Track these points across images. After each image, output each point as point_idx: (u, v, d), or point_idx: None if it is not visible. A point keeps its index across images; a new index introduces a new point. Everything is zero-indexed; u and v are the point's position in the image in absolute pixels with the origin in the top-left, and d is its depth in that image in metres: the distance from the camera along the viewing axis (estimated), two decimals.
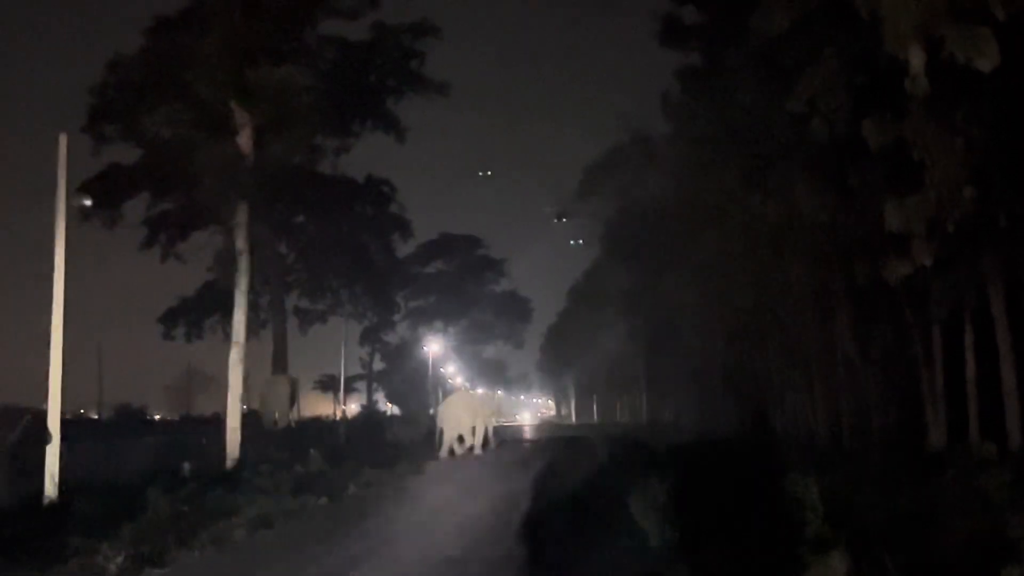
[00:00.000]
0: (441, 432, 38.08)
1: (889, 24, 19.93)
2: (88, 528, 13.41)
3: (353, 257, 44.00)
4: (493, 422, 41.66)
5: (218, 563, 13.25)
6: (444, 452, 37.28)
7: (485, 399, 42.59)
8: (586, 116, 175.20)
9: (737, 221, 31.12)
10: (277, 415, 38.85)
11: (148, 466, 22.82)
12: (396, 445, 38.48)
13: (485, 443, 39.46)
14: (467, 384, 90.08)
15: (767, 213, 27.69)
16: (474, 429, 38.90)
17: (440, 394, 76.78)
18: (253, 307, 36.82)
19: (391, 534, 15.80)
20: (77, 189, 28.77)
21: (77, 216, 21.08)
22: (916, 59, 20.76)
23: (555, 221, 79.89)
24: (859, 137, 21.63)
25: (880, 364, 28.91)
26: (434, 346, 74.29)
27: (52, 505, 16.85)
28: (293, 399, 42.52)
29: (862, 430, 29.23)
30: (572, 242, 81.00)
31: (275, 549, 14.54)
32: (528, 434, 65.56)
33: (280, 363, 41.68)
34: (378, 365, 79.87)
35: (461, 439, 38.22)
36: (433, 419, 70.19)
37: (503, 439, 44.94)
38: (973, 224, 20.95)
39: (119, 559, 12.29)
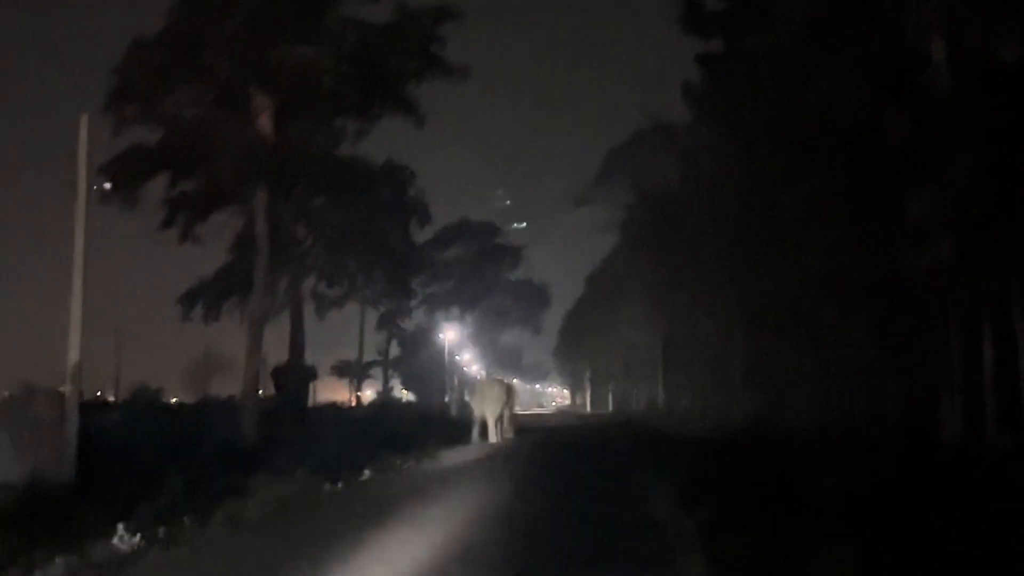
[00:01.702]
0: (477, 416, 39.49)
1: (912, 15, 19.90)
2: (105, 508, 13.49)
3: (371, 241, 43.98)
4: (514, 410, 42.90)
5: (232, 543, 13.33)
6: (476, 436, 38.62)
7: (510, 387, 43.65)
8: (607, 102, 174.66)
9: (757, 210, 31.05)
10: (288, 401, 39.27)
11: (165, 448, 22.94)
12: (411, 431, 38.63)
13: (508, 429, 40.39)
14: (483, 372, 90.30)
15: (787, 202, 27.62)
16: (502, 415, 40.15)
17: (455, 381, 76.92)
18: (271, 291, 36.96)
19: (403, 518, 15.85)
20: (97, 171, 28.96)
21: (97, 197, 21.13)
22: (938, 50, 20.74)
23: (575, 207, 79.87)
24: (880, 128, 21.59)
25: (897, 355, 28.86)
26: (450, 333, 74.47)
27: (69, 485, 16.96)
28: (308, 385, 42.75)
29: (878, 421, 29.23)
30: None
31: (289, 530, 14.63)
32: (543, 424, 65.56)
33: (297, 347, 41.78)
34: (394, 351, 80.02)
35: (485, 425, 39.24)
36: (448, 406, 70.87)
37: (520, 429, 45.29)
38: (993, 216, 20.90)
39: (135, 539, 12.38)
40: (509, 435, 40.00)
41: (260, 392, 31.11)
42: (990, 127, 20.34)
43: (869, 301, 28.38)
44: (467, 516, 15.78)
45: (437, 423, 47.37)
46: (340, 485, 20.49)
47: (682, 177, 48.08)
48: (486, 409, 39.41)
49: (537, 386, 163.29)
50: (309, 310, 45.29)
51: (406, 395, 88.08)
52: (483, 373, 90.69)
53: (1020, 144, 20.48)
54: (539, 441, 39.94)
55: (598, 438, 43.21)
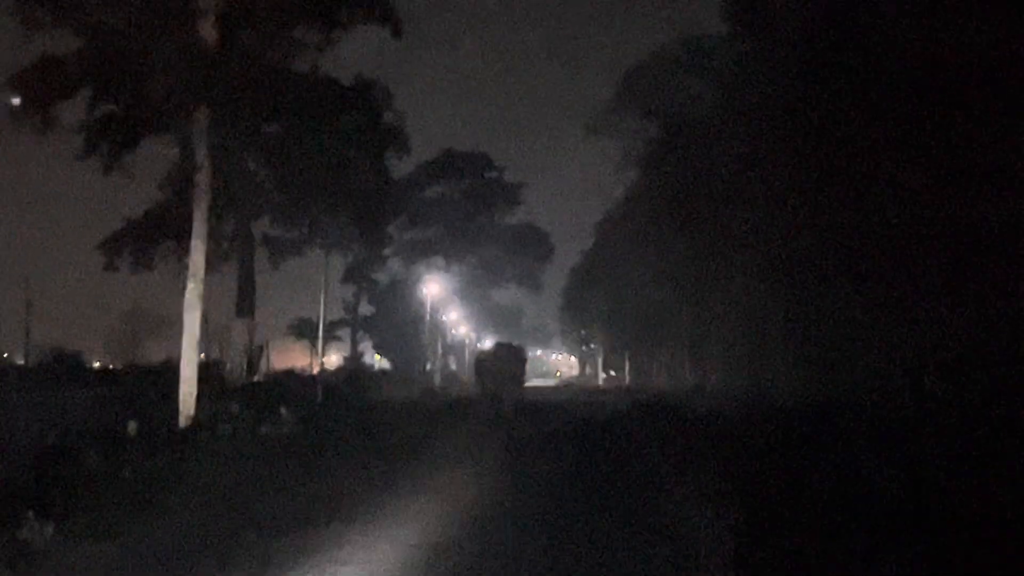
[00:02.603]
0: (484, 392, 40.19)
1: None
2: (12, 495, 13.46)
3: (336, 176, 43.74)
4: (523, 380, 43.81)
5: (165, 540, 13.29)
6: (487, 404, 40.48)
7: (522, 353, 44.44)
8: (625, 12, 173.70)
9: (808, 140, 30.83)
10: (230, 367, 39.40)
11: (86, 424, 22.94)
12: (385, 407, 38.72)
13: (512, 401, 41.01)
14: (473, 335, 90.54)
15: (846, 132, 27.42)
16: (511, 384, 40.86)
17: (439, 345, 76.99)
18: (214, 234, 36.83)
19: (369, 515, 15.84)
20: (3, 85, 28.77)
21: (4, 120, 20.92)
22: None
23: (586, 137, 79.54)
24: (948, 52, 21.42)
25: (975, 312, 28.58)
26: (433, 287, 74.42)
27: None
28: (261, 348, 42.89)
29: (954, 390, 29.03)
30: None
31: (233, 524, 14.57)
32: (546, 398, 65.70)
33: (245, 303, 41.72)
34: (365, 309, 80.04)
35: (492, 393, 40.09)
36: (430, 375, 71.11)
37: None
38: None
39: (48, 531, 12.35)
40: (506, 408, 40.55)
41: (202, 357, 31.09)
42: None
43: (946, 249, 28.09)
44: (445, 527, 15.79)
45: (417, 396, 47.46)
46: (296, 470, 20.50)
47: (715, 102, 47.86)
48: (495, 382, 40.07)
49: (539, 352, 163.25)
50: (261, 258, 45.17)
51: (380, 361, 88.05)
52: (472, 336, 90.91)
53: None
54: (540, 422, 39.95)
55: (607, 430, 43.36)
